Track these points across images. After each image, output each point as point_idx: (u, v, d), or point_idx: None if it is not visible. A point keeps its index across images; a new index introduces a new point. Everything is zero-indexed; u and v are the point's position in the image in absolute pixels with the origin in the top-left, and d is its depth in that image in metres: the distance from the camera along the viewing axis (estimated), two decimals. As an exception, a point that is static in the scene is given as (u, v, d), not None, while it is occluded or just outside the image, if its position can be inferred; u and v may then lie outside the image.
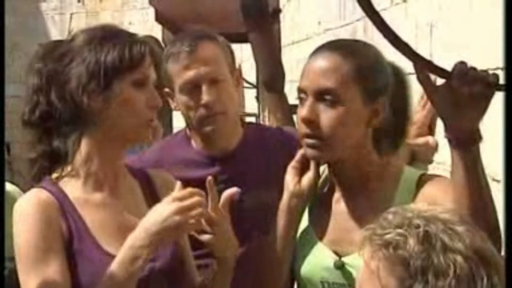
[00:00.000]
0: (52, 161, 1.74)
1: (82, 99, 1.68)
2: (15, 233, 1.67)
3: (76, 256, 1.66)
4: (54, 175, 1.74)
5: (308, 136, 1.65)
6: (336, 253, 1.69)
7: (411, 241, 1.11)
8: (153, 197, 1.79)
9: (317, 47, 1.72)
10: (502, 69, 1.42)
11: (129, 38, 1.72)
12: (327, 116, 1.62)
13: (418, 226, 1.13)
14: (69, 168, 1.74)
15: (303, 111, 1.65)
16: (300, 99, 1.67)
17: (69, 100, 1.69)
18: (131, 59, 1.69)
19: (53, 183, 1.73)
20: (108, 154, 1.73)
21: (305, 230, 1.76)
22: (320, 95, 1.63)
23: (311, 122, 1.64)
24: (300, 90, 1.67)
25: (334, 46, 1.70)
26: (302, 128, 1.66)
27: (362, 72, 1.63)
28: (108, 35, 1.72)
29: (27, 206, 1.68)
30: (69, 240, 1.67)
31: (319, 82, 1.64)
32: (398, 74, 1.71)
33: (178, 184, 1.68)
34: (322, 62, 1.65)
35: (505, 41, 1.39)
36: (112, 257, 1.65)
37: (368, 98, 1.64)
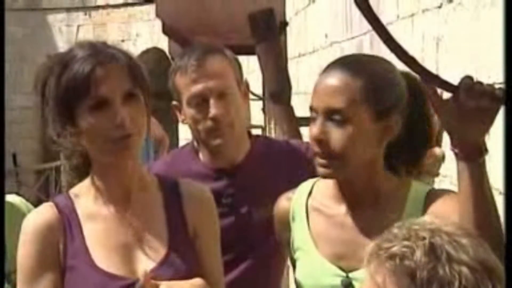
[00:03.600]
0: (75, 178, 1.77)
1: (59, 138, 1.70)
2: (18, 245, 1.72)
3: (69, 272, 1.69)
4: (72, 189, 1.77)
5: (319, 155, 1.66)
6: (341, 269, 1.69)
7: (418, 253, 1.12)
8: (175, 207, 1.78)
9: (328, 64, 1.72)
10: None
11: (78, 64, 1.64)
12: (336, 135, 1.63)
13: (423, 238, 1.14)
14: (84, 182, 1.76)
15: (313, 130, 1.65)
16: (312, 117, 1.67)
17: (52, 138, 1.72)
18: (75, 89, 1.64)
19: (67, 197, 1.75)
20: (110, 171, 1.73)
21: (304, 242, 1.76)
22: (329, 115, 1.64)
23: (321, 141, 1.64)
24: (311, 109, 1.67)
25: (344, 64, 1.69)
26: (314, 147, 1.67)
27: (371, 91, 1.63)
28: (67, 64, 1.67)
29: (31, 223, 1.72)
30: (64, 257, 1.69)
31: (327, 102, 1.64)
32: (413, 87, 1.68)
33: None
34: (331, 82, 1.65)
35: (505, 50, 1.40)
36: (103, 273, 1.67)
37: (378, 116, 1.64)
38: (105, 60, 1.66)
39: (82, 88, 1.64)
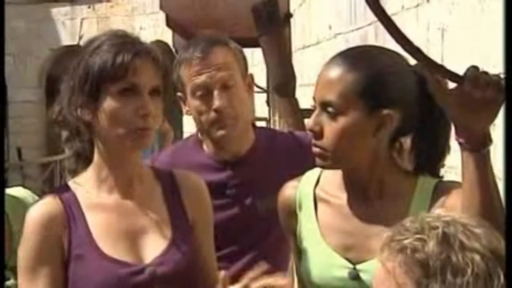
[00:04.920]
0: (78, 163, 1.78)
1: (73, 113, 1.72)
2: (21, 238, 1.73)
3: (76, 261, 1.70)
4: (72, 179, 1.78)
5: (315, 146, 1.68)
6: (348, 260, 1.69)
7: (431, 244, 1.13)
8: (173, 197, 1.81)
9: (332, 56, 1.72)
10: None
11: (117, 48, 1.69)
12: (329, 127, 1.65)
13: (436, 228, 1.15)
14: (85, 173, 1.78)
15: (308, 121, 1.68)
16: (312, 108, 1.70)
17: (67, 112, 1.73)
18: (113, 69, 1.68)
19: (67, 188, 1.77)
20: (114, 160, 1.75)
21: (311, 232, 1.76)
22: (324, 107, 1.65)
23: (316, 132, 1.66)
24: (313, 99, 1.70)
25: (344, 56, 1.69)
26: (312, 138, 1.69)
27: (366, 85, 1.63)
28: (102, 43, 1.71)
29: (34, 216, 1.72)
30: (69, 248, 1.70)
31: (322, 94, 1.66)
32: (423, 86, 1.63)
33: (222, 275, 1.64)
34: (327, 74, 1.67)
35: (505, 46, 1.40)
36: (111, 260, 1.69)
37: (372, 110, 1.63)
38: (144, 52, 1.71)
39: (119, 70, 1.67)
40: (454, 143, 1.59)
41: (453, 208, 1.56)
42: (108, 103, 1.69)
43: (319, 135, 1.66)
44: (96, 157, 1.76)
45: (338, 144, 1.64)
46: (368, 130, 1.65)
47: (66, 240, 1.70)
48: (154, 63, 1.72)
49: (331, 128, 1.64)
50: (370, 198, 1.71)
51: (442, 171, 1.92)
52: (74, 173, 1.80)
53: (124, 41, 1.72)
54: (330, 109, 1.64)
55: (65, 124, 1.76)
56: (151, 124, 1.71)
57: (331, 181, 1.77)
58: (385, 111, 1.63)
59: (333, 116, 1.64)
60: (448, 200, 1.64)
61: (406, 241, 1.15)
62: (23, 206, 2.06)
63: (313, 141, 1.68)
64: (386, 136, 1.67)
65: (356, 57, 1.68)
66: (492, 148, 1.49)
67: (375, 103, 1.63)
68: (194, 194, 1.84)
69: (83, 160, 1.78)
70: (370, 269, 1.60)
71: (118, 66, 1.67)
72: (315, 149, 1.68)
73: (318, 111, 1.66)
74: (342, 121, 1.63)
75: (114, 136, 1.71)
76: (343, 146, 1.64)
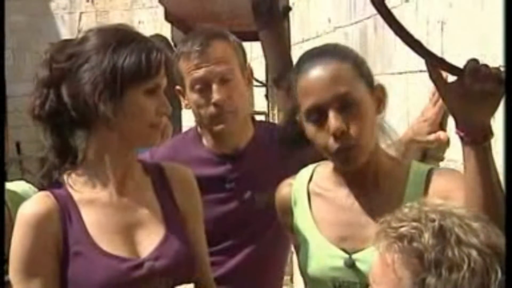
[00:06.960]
0: (62, 158, 1.75)
1: (94, 104, 1.68)
2: (13, 237, 1.70)
3: (75, 258, 1.69)
4: (63, 174, 1.75)
5: (343, 149, 1.63)
6: (344, 250, 1.69)
7: (426, 235, 1.13)
8: (164, 190, 1.81)
9: (302, 64, 1.69)
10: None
11: (146, 45, 1.71)
12: (353, 118, 1.63)
13: (433, 220, 1.15)
14: (78, 167, 1.75)
15: (333, 124, 1.61)
16: (313, 120, 1.64)
17: (81, 101, 1.69)
18: (148, 69, 1.69)
19: (60, 184, 1.75)
20: (116, 154, 1.74)
21: (307, 226, 1.76)
22: (341, 101, 1.62)
23: (345, 132, 1.62)
24: (311, 110, 1.65)
25: (324, 54, 1.69)
26: (333, 144, 1.63)
27: (360, 67, 1.67)
28: (124, 39, 1.70)
29: (27, 215, 1.70)
30: (65, 245, 1.69)
31: (334, 89, 1.63)
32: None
33: None
34: (324, 73, 1.65)
35: (505, 40, 1.39)
36: (110, 256, 1.68)
37: (371, 88, 1.68)
38: (161, 51, 1.74)
39: (151, 69, 1.70)
40: (453, 137, 1.59)
41: (448, 192, 1.57)
42: (136, 101, 1.70)
43: (347, 133, 1.62)
44: (91, 153, 1.74)
45: (364, 132, 1.63)
46: (374, 109, 1.68)
47: (62, 238, 1.69)
48: (166, 61, 1.75)
49: (355, 119, 1.63)
50: (364, 188, 1.71)
51: (442, 164, 1.92)
52: (59, 168, 1.76)
53: (146, 40, 1.73)
54: (347, 101, 1.63)
55: (50, 118, 1.73)
56: (165, 122, 1.75)
57: (323, 175, 1.77)
58: (378, 87, 1.69)
59: (351, 106, 1.63)
60: (442, 186, 1.64)
61: (403, 229, 1.15)
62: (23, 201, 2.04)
63: (343, 142, 1.62)
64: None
65: (333, 51, 1.71)
66: (492, 141, 1.49)
67: (371, 82, 1.68)
68: (184, 186, 1.84)
69: (72, 155, 1.75)
70: (366, 258, 1.61)
71: (153, 65, 1.70)
72: (342, 153, 1.63)
73: (335, 111, 1.62)
74: (360, 108, 1.64)
75: (132, 131, 1.72)
76: (367, 133, 1.64)
